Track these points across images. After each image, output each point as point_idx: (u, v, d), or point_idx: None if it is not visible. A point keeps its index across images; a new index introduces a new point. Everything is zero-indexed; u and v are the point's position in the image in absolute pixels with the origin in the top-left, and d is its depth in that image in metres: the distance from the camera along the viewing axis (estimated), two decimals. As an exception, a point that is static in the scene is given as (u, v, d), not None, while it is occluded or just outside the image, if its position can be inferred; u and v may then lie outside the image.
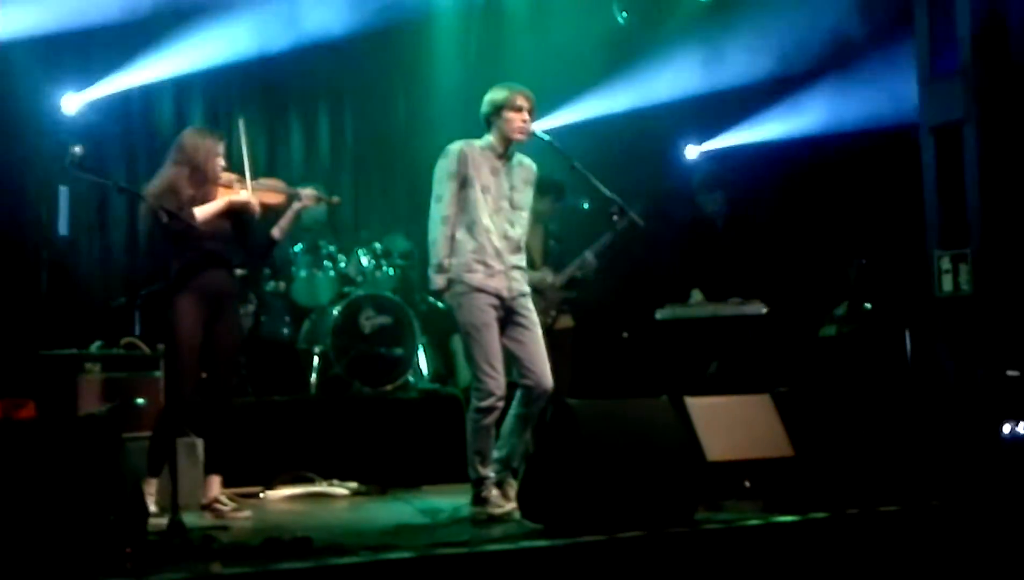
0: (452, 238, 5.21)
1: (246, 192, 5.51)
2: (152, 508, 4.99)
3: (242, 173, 5.56)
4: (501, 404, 5.12)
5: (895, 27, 7.52)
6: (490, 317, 5.15)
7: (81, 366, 6.56)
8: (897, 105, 7.47)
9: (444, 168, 5.25)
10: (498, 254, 5.20)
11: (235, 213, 5.46)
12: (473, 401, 5.16)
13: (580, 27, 8.63)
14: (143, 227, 5.53)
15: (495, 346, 5.13)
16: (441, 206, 5.21)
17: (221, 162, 5.52)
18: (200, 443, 5.80)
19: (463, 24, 9.09)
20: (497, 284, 5.19)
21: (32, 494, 3.86)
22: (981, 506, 5.10)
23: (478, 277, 5.17)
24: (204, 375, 5.47)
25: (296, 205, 5.67)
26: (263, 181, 5.72)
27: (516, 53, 8.74)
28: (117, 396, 6.01)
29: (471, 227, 5.20)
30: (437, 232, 5.21)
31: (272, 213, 5.67)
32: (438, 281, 5.21)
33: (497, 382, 5.10)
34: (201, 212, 5.35)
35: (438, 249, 5.20)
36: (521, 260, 5.32)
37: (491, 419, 5.12)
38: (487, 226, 5.20)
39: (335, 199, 6.26)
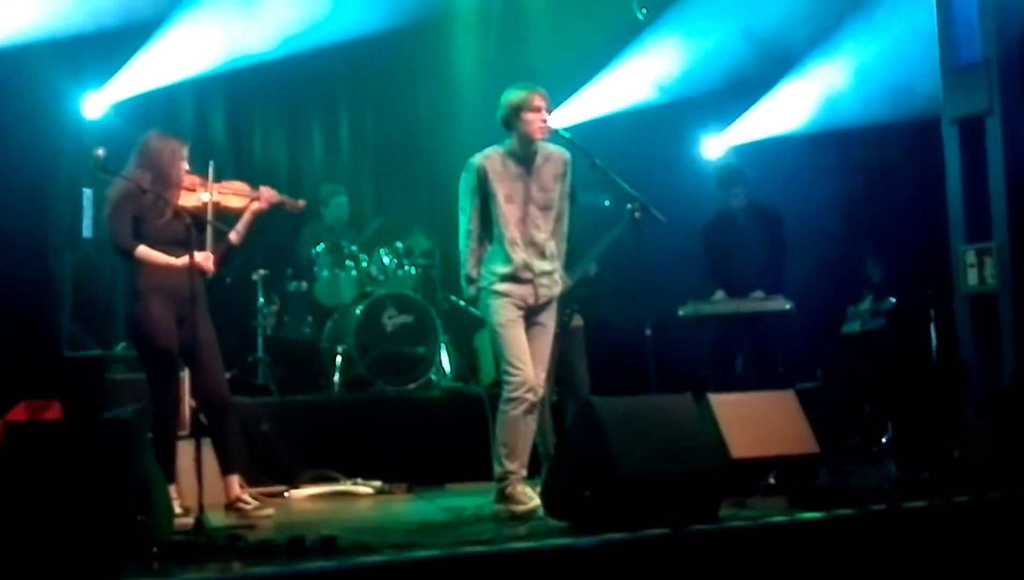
0: (478, 249, 5.29)
1: (207, 195, 5.43)
2: (177, 508, 5.01)
3: (206, 176, 5.46)
4: (530, 396, 5.16)
5: (916, 17, 7.46)
6: (515, 314, 5.24)
7: (106, 367, 6.61)
8: (920, 97, 7.42)
9: (466, 183, 5.30)
10: (526, 265, 5.25)
11: (194, 218, 5.23)
12: (503, 393, 5.22)
13: (599, 23, 8.60)
14: (106, 231, 5.46)
15: (521, 341, 5.21)
16: (465, 219, 5.30)
17: (185, 166, 5.43)
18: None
19: (482, 22, 9.08)
20: (523, 292, 5.26)
21: (59, 495, 3.88)
22: (1009, 502, 5.06)
23: (504, 286, 5.24)
24: (195, 380, 5.42)
25: (253, 207, 5.54)
26: (227, 184, 5.57)
27: (535, 50, 8.72)
28: (142, 397, 6.01)
29: (499, 239, 5.26)
30: (463, 244, 5.31)
31: (238, 217, 5.55)
32: (470, 290, 5.35)
33: (525, 374, 5.16)
34: (144, 254, 5.29)
35: (465, 260, 5.31)
36: (550, 265, 5.34)
37: (520, 410, 5.15)
38: (512, 238, 5.24)
39: (300, 202, 5.86)
